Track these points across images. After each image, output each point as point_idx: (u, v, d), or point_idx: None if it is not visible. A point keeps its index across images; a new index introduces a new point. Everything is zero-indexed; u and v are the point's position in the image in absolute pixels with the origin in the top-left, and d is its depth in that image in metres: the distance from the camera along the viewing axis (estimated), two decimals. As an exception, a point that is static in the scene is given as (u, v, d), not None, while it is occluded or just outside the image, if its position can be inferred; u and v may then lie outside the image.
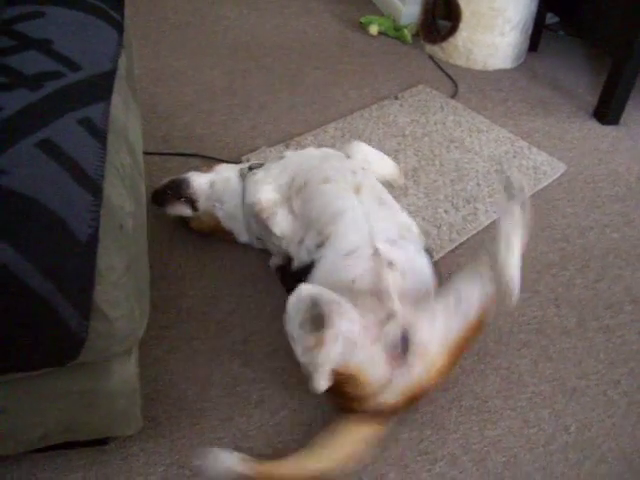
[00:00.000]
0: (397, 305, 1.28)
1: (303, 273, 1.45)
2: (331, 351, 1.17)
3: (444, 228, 1.88)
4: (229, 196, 1.72)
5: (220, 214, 1.74)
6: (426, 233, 1.79)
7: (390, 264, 1.35)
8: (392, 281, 1.32)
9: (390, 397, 1.27)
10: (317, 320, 1.19)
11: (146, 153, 2.03)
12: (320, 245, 1.45)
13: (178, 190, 1.73)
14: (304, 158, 1.66)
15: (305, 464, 1.25)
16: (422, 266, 1.42)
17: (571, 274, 1.79)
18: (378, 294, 1.31)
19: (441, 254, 1.80)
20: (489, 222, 1.92)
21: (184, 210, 1.75)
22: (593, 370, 1.55)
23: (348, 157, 1.68)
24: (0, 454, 1.21)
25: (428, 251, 1.50)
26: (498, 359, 1.56)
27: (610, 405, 1.48)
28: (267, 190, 1.60)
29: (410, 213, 1.87)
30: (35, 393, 1.08)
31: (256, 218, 1.61)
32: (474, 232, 1.88)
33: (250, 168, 1.73)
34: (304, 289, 1.22)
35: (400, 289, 1.32)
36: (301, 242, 1.51)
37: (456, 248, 1.84)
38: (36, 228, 0.90)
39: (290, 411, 1.42)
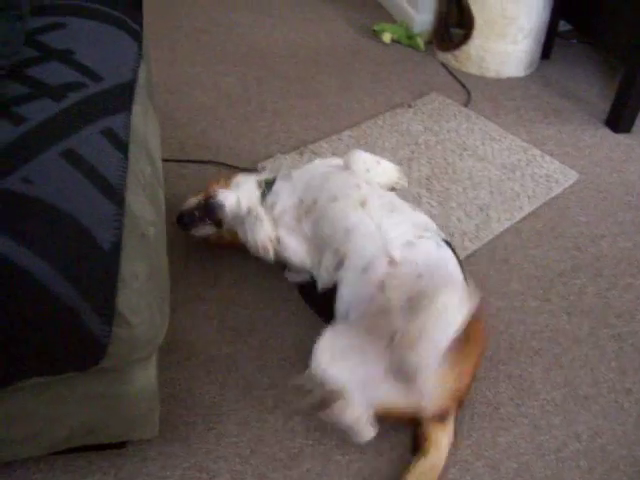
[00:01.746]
0: (399, 323, 1.30)
1: (329, 295, 1.48)
2: (352, 412, 1.24)
3: (457, 236, 1.89)
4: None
5: (241, 230, 1.71)
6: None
7: (397, 271, 1.38)
8: (395, 292, 1.35)
9: (432, 409, 1.33)
10: None
11: (162, 160, 2.06)
12: (339, 266, 1.47)
13: (212, 215, 1.70)
14: (309, 177, 1.66)
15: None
16: (445, 257, 1.46)
17: (583, 282, 1.80)
18: (385, 310, 1.33)
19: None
20: (502, 230, 1.93)
21: (209, 231, 1.75)
22: (605, 378, 1.56)
23: (347, 167, 1.67)
24: (24, 456, 1.24)
25: (449, 243, 1.52)
26: (510, 366, 1.57)
27: (622, 413, 1.48)
28: (266, 228, 1.59)
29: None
30: (58, 397, 1.11)
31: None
32: (487, 240, 1.90)
33: (266, 183, 1.73)
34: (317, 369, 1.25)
35: (410, 292, 1.34)
36: (320, 263, 1.53)
37: (469, 256, 1.85)
38: (60, 236, 0.92)
39: (304, 416, 1.44)
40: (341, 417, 1.24)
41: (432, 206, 2.00)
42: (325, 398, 1.22)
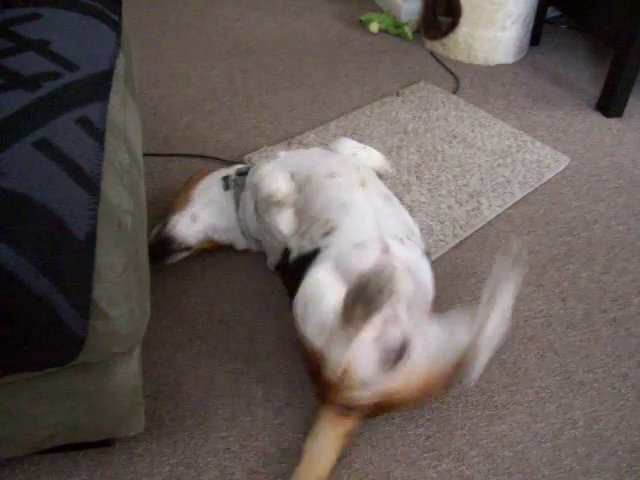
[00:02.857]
0: (403, 310, 1.27)
1: (303, 263, 1.41)
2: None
3: (447, 223, 1.86)
4: (217, 218, 1.70)
5: (215, 236, 1.71)
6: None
7: (402, 263, 1.33)
8: (402, 282, 1.29)
9: (364, 397, 1.26)
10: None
11: (148, 154, 2.04)
12: (327, 233, 1.41)
13: (165, 249, 1.68)
14: (302, 156, 1.65)
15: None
16: (425, 272, 1.39)
17: (576, 267, 1.78)
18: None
19: (445, 250, 1.79)
20: (493, 216, 1.91)
21: (182, 255, 1.72)
22: (600, 363, 1.53)
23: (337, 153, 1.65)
24: (6, 457, 1.21)
25: (428, 255, 1.47)
26: (504, 354, 1.54)
27: (618, 398, 1.46)
28: (284, 179, 1.54)
29: (413, 209, 1.88)
30: (37, 394, 1.08)
31: (259, 211, 1.57)
32: (478, 227, 1.87)
33: (239, 174, 1.71)
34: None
35: (407, 292, 1.30)
36: (304, 233, 1.48)
37: (460, 243, 1.82)
38: (34, 227, 0.89)
39: (294, 409, 1.41)
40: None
41: (422, 194, 1.97)
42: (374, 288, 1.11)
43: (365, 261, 1.32)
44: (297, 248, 1.48)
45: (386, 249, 1.34)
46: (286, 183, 1.53)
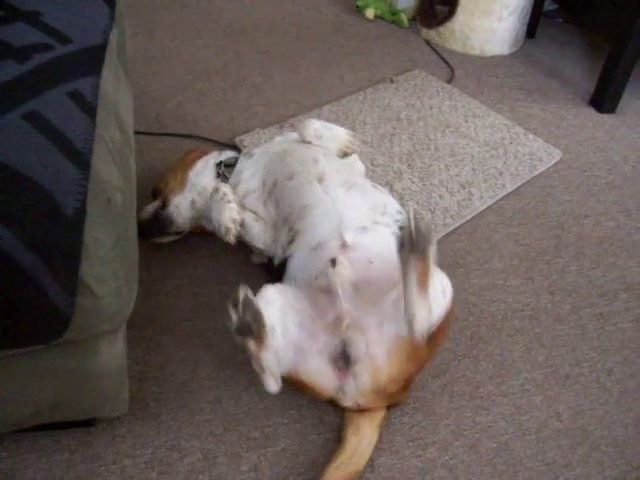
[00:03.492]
0: (345, 307, 1.25)
1: (281, 270, 1.45)
2: (266, 358, 1.16)
3: (438, 213, 1.86)
4: (209, 206, 1.62)
5: (204, 223, 1.69)
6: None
7: (349, 255, 1.32)
8: (344, 277, 1.28)
9: (349, 402, 1.28)
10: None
11: (138, 132, 2.01)
12: (291, 241, 1.44)
13: (161, 230, 1.66)
14: (269, 158, 1.61)
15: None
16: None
17: (565, 262, 1.78)
18: (330, 292, 1.27)
19: (435, 239, 1.78)
20: (484, 207, 1.90)
21: (172, 237, 1.70)
22: (586, 357, 1.53)
23: (301, 137, 1.64)
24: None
25: None
26: (491, 345, 1.54)
27: (603, 393, 1.46)
28: (231, 210, 1.49)
29: (404, 197, 1.87)
30: (21, 372, 1.06)
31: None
32: (469, 217, 1.87)
33: (226, 165, 1.68)
34: (240, 293, 1.16)
35: (358, 281, 1.29)
36: (277, 241, 1.50)
37: (450, 233, 1.82)
38: (21, 201, 0.87)
39: (279, 394, 1.39)
40: (253, 356, 1.16)
41: (413, 182, 1.96)
42: (246, 323, 1.14)
43: (318, 264, 1.33)
44: (276, 256, 1.50)
45: (344, 244, 1.35)
46: (232, 216, 1.48)
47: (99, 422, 1.31)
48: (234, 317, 1.14)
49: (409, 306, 1.10)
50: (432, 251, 1.08)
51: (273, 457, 1.30)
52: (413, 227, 1.07)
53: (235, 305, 1.14)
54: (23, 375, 1.07)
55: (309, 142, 1.63)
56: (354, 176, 1.55)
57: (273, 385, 1.20)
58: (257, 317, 1.15)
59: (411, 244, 1.07)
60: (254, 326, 1.14)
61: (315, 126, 1.64)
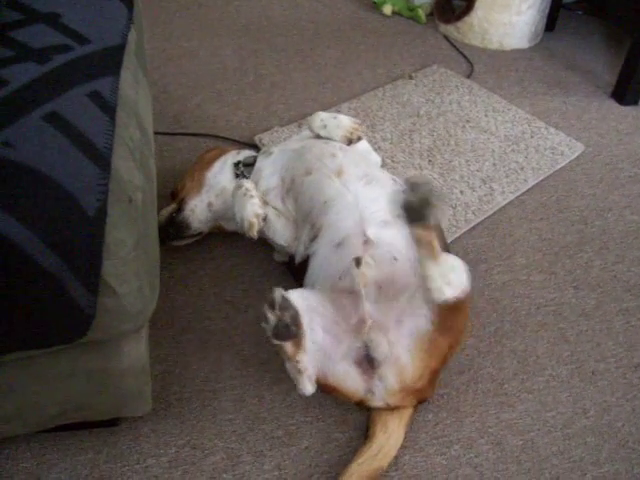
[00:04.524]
0: (367, 308, 1.24)
1: (303, 268, 1.44)
2: (304, 360, 1.16)
3: (459, 209, 1.84)
4: (228, 207, 1.61)
5: (224, 223, 1.69)
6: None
7: (373, 253, 1.31)
8: (369, 277, 1.26)
9: (379, 403, 1.27)
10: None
11: (157, 133, 2.02)
12: (313, 238, 1.43)
13: (178, 233, 1.65)
14: (287, 154, 1.61)
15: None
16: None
17: (589, 256, 1.76)
18: (353, 294, 1.26)
19: (457, 234, 1.77)
20: (505, 203, 1.88)
21: (190, 240, 1.70)
22: (612, 353, 1.51)
23: (310, 130, 1.65)
24: (11, 434, 1.20)
25: None
26: (515, 341, 1.52)
27: (630, 389, 1.44)
28: (254, 204, 1.47)
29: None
30: (45, 372, 1.07)
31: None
32: (490, 212, 1.85)
33: (245, 164, 1.66)
34: (277, 294, 1.16)
35: (382, 281, 1.27)
36: (299, 239, 1.49)
37: (472, 229, 1.80)
38: (43, 201, 0.87)
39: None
40: (290, 359, 1.17)
41: (434, 178, 1.94)
42: (284, 324, 1.13)
43: (343, 263, 1.32)
44: (298, 254, 1.49)
45: (368, 241, 1.33)
46: (255, 211, 1.47)
47: (123, 422, 1.32)
48: (272, 318, 1.14)
49: (422, 268, 1.10)
50: (434, 214, 1.05)
51: (297, 455, 1.29)
52: (410, 196, 1.05)
53: (272, 307, 1.14)
54: (48, 376, 1.07)
55: (319, 135, 1.63)
56: (372, 169, 1.54)
57: (309, 388, 1.20)
58: (295, 317, 1.15)
59: (410, 213, 1.06)
60: (293, 327, 1.14)
61: (321, 117, 1.64)
